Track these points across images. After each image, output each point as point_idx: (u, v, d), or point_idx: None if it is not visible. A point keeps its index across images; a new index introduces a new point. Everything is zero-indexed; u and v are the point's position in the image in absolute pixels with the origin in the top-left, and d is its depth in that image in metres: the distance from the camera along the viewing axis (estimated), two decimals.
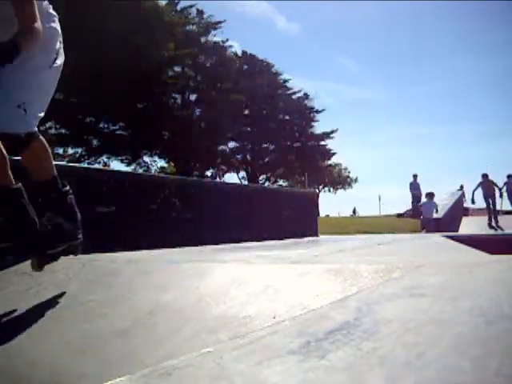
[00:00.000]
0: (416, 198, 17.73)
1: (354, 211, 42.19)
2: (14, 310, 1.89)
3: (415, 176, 18.09)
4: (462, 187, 20.62)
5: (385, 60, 75.35)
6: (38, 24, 1.85)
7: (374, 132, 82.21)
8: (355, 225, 14.56)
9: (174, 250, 3.38)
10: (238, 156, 33.77)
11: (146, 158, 25.54)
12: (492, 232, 11.84)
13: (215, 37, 26.57)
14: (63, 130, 21.00)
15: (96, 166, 21.75)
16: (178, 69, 23.88)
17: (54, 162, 2.13)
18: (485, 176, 14.21)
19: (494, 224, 13.92)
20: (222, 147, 29.90)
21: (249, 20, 60.06)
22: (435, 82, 72.88)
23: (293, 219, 5.91)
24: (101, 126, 22.16)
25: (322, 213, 24.52)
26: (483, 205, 14.98)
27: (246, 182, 31.42)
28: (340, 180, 48.13)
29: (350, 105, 71.17)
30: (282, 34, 61.13)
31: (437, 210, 13.36)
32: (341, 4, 68.27)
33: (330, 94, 66.31)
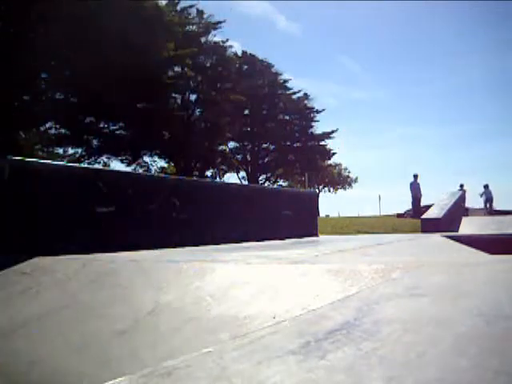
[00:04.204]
0: (416, 198, 17.70)
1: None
2: (14, 310, 1.88)
3: (416, 176, 18.03)
4: (462, 186, 20.56)
5: (386, 60, 75.50)
6: None
7: (375, 132, 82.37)
8: (355, 225, 14.56)
9: (174, 249, 3.38)
10: (238, 156, 33.78)
11: (146, 158, 25.60)
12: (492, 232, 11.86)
13: (215, 37, 26.61)
14: (63, 130, 21.00)
15: (96, 166, 21.76)
16: (177, 69, 23.88)
17: (54, 162, 2.13)
18: None
19: None
20: (221, 147, 29.91)
21: (249, 20, 60.08)
22: (435, 82, 72.98)
23: (293, 219, 5.90)
24: (101, 125, 22.16)
25: (322, 213, 24.52)
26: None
27: (246, 182, 31.42)
28: (340, 180, 48.16)
29: (350, 105, 71.27)
30: (283, 34, 61.18)
31: None
32: (341, 4, 68.37)
33: (331, 95, 66.38)
